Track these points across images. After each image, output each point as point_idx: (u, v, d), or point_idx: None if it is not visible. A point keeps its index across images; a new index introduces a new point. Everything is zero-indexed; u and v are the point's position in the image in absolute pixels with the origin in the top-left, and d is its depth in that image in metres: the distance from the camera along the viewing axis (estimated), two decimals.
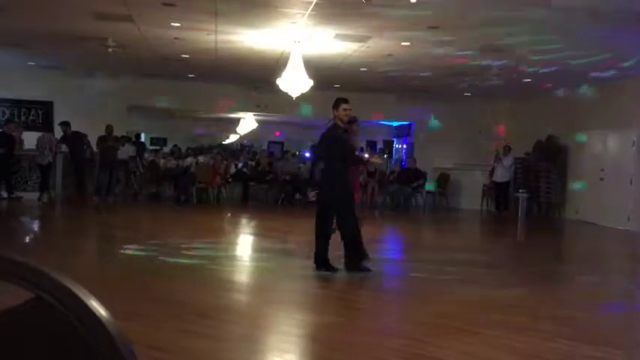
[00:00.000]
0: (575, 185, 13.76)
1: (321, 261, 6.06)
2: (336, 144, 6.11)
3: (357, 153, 6.87)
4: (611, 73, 11.47)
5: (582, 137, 13.43)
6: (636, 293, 6.46)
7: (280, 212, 13.73)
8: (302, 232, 9.97)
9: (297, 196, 15.59)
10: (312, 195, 6.48)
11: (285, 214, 13.20)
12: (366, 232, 11.15)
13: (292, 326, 4.46)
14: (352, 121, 6.65)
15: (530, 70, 11.70)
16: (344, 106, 6.18)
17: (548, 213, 14.56)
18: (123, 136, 14.55)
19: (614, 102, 12.48)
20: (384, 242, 10.25)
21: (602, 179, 12.66)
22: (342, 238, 6.08)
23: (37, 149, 12.86)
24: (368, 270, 6.01)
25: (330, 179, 6.09)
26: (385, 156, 17.72)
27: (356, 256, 6.01)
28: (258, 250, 8.35)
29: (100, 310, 0.83)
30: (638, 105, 11.81)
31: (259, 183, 15.52)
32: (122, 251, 7.17)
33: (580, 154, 13.70)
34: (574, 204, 13.89)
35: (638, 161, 11.75)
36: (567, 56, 10.30)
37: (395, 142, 20.24)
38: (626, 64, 10.61)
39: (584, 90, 13.13)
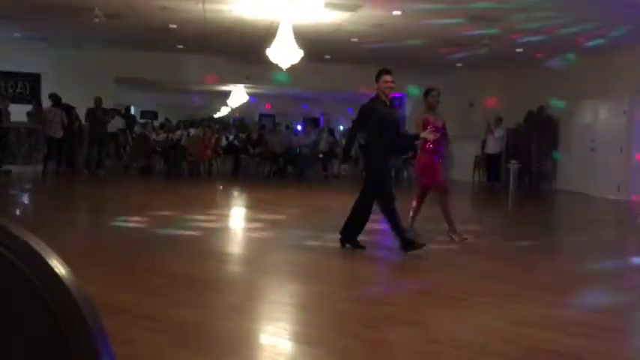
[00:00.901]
0: (562, 156, 13.81)
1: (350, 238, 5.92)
2: (371, 117, 5.67)
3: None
4: (600, 41, 11.40)
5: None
6: (623, 265, 6.51)
7: (272, 185, 13.71)
8: (293, 205, 10.01)
9: (289, 169, 15.58)
10: (342, 169, 6.27)
11: (277, 187, 13.18)
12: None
13: (283, 295, 4.47)
14: (427, 91, 6.46)
15: (521, 40, 11.61)
16: (386, 77, 5.65)
17: (539, 183, 14.62)
18: (112, 109, 14.41)
19: (604, 71, 12.44)
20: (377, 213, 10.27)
21: (592, 149, 12.69)
22: (352, 208, 5.94)
23: (44, 123, 12.67)
24: (362, 247, 5.92)
25: (364, 154, 6.02)
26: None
27: (351, 230, 5.88)
28: (249, 221, 8.35)
29: (60, 267, 0.80)
30: (628, 74, 11.78)
31: (250, 156, 15.46)
32: (112, 223, 7.14)
33: (571, 124, 13.70)
34: (565, 174, 13.94)
35: (629, 130, 11.76)
36: (557, 24, 10.22)
37: None
38: (615, 33, 10.54)
39: (575, 60, 13.06)
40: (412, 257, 5.74)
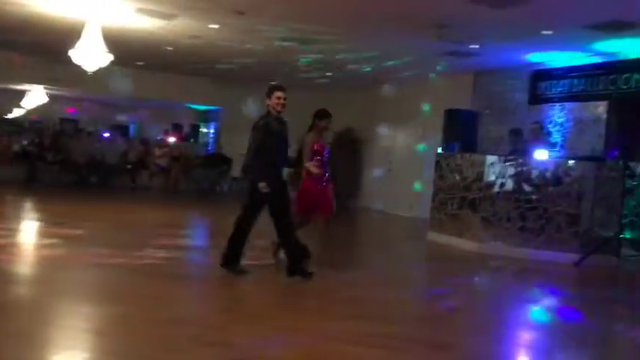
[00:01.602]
0: (367, 176, 14.88)
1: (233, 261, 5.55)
2: (255, 133, 5.50)
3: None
4: (412, 72, 12.56)
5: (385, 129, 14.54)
6: (406, 274, 7.13)
7: (72, 196, 12.66)
8: (95, 218, 9.32)
9: (93, 179, 14.57)
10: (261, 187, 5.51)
11: (78, 199, 12.21)
12: (167, 217, 10.77)
13: (78, 319, 4.11)
14: (323, 115, 6.28)
15: (330, 60, 12.27)
16: (277, 94, 5.53)
17: (345, 202, 15.51)
18: None
19: (404, 99, 13.69)
20: (187, 228, 10.02)
21: (390, 170, 13.94)
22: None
23: None
24: (243, 272, 5.60)
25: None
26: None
27: (229, 254, 5.58)
28: (43, 237, 7.58)
29: None
30: (424, 102, 13.12)
31: (47, 163, 14.14)
32: None
33: (374, 146, 14.82)
34: (368, 193, 14.99)
35: (419, 157, 13.09)
36: (363, 58, 11.04)
37: (201, 127, 19.88)
38: (389, 63, 11.66)
39: (381, 87, 14.18)
40: (221, 275, 5.67)
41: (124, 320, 4.07)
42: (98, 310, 4.39)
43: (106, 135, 17.37)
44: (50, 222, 8.74)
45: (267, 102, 5.61)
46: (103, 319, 4.17)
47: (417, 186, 12.69)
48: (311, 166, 5.97)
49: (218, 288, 5.26)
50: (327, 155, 6.32)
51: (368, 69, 12.62)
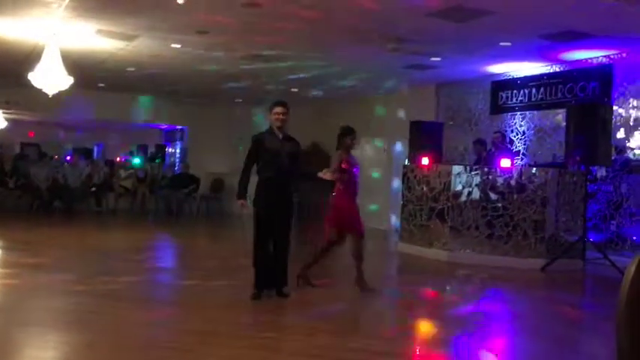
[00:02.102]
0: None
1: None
2: (259, 148, 5.53)
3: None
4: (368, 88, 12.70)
5: None
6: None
7: (35, 222, 12.36)
8: (60, 245, 9.11)
9: (56, 203, 14.26)
10: (240, 205, 5.42)
11: (41, 225, 11.92)
12: (134, 240, 10.58)
13: (44, 349, 3.99)
14: (347, 132, 6.09)
15: (295, 77, 12.33)
16: (276, 109, 5.57)
17: (314, 216, 15.51)
18: None
19: (368, 113, 13.82)
20: (154, 250, 9.86)
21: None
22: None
23: None
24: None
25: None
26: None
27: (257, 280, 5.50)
28: (5, 266, 7.36)
29: None
30: (387, 117, 13.26)
31: (9, 188, 13.79)
32: None
33: None
34: None
35: (387, 167, 13.18)
36: (327, 72, 11.13)
37: (167, 147, 19.71)
38: (353, 77, 11.79)
39: (346, 101, 14.29)
40: (193, 296, 5.59)
41: (91, 348, 3.97)
42: (65, 338, 4.27)
43: (68, 158, 17.06)
44: (13, 249, 8.49)
45: (269, 118, 5.70)
46: (70, 348, 4.05)
47: (374, 207, 12.80)
48: (324, 173, 5.75)
49: (188, 310, 5.17)
50: (356, 173, 6.16)
51: (331, 85, 12.73)
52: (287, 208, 5.59)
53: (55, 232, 10.87)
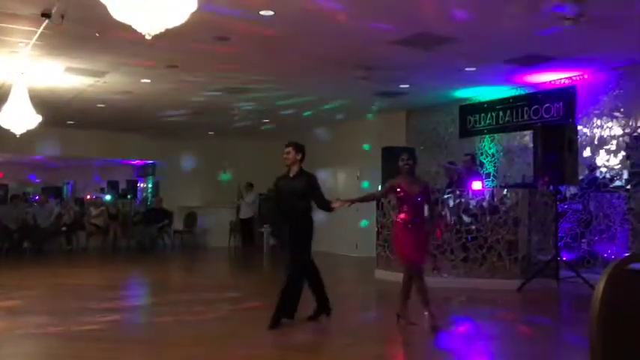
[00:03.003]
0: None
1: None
2: (276, 190, 6.06)
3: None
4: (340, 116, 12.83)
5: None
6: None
7: (5, 264, 12.05)
8: (31, 286, 8.88)
9: (26, 244, 13.95)
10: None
11: (11, 267, 11.62)
12: (107, 278, 10.38)
13: None
14: (399, 156, 5.85)
15: (264, 109, 12.40)
16: (285, 149, 5.93)
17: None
18: None
19: (342, 140, 13.95)
20: (128, 288, 9.68)
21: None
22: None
23: None
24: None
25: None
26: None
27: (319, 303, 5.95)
28: None
29: None
30: (361, 141, 13.40)
31: None
32: None
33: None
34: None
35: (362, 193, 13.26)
36: (308, 103, 11.23)
37: (139, 182, 19.51)
38: (326, 107, 11.95)
39: (318, 130, 14.40)
40: (166, 335, 5.49)
41: None
42: None
43: (37, 198, 16.74)
44: None
45: None
46: None
47: (364, 223, 12.82)
48: (334, 203, 5.81)
49: (163, 348, 5.07)
50: (415, 198, 5.57)
51: (305, 114, 12.84)
52: (296, 242, 5.84)
53: (25, 273, 10.59)
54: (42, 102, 9.35)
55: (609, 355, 1.36)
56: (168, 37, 7.09)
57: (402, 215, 5.61)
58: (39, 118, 8.69)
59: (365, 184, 13.16)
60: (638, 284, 1.49)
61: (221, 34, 7.06)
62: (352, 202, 5.87)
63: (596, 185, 8.92)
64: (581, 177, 8.77)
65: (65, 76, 9.12)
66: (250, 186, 15.02)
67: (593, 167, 9.01)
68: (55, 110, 11.43)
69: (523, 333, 5.75)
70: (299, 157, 5.88)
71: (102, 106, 11.79)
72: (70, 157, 17.19)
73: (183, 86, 10.02)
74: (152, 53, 7.85)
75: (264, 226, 15.09)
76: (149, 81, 9.62)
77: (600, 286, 1.44)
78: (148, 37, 4.05)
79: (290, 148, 5.89)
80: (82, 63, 8.44)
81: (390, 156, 10.30)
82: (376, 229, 9.81)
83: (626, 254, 1.61)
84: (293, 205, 5.80)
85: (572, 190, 9.11)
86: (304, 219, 5.85)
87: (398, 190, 5.60)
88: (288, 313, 5.73)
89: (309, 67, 8.76)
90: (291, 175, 5.91)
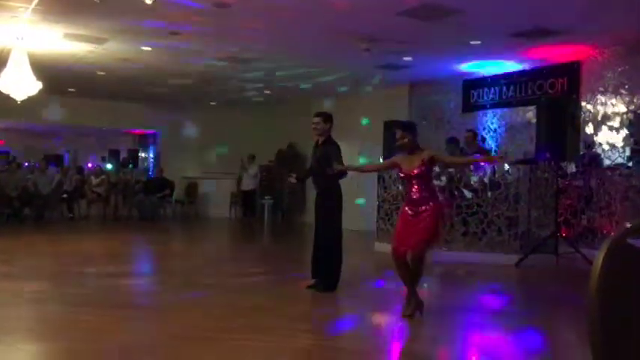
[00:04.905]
0: (311, 191, 14.90)
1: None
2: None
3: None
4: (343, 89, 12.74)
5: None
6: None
7: (6, 231, 12.10)
8: (31, 253, 8.94)
9: (26, 211, 13.99)
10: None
11: (11, 234, 11.67)
12: (107, 246, 10.43)
13: (17, 358, 3.91)
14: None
15: (268, 79, 12.31)
16: (312, 119, 6.09)
17: (290, 218, 15.50)
18: None
19: (343, 113, 13.84)
20: (128, 256, 9.74)
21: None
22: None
23: None
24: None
25: None
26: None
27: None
28: None
29: None
30: (362, 115, 13.32)
31: None
32: None
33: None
34: (313, 209, 15.00)
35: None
36: (309, 73, 11.14)
37: (140, 151, 19.48)
38: (327, 78, 11.85)
39: (320, 102, 14.29)
40: (167, 300, 5.54)
41: (68, 355, 3.90)
42: (40, 346, 4.19)
43: (38, 165, 16.73)
44: None
45: None
46: (47, 356, 3.98)
47: (360, 200, 12.82)
48: (335, 165, 5.51)
49: (166, 314, 5.12)
50: (415, 176, 4.86)
51: (306, 86, 12.74)
52: (322, 205, 6.11)
53: (26, 240, 10.65)
54: (42, 68, 9.26)
55: (608, 328, 1.36)
56: (167, 3, 7.02)
57: (406, 197, 5.07)
58: (39, 85, 8.64)
59: (362, 159, 13.12)
60: (637, 257, 1.48)
61: (221, 0, 6.96)
62: (348, 169, 5.79)
63: (597, 162, 8.89)
64: (582, 153, 8.73)
65: (64, 42, 9.03)
66: (252, 158, 15.00)
67: (589, 144, 8.96)
68: (56, 77, 11.35)
69: (522, 305, 5.78)
70: (327, 126, 6.05)
71: (102, 73, 11.71)
72: (71, 125, 17.15)
73: (183, 54, 9.92)
74: (152, 19, 7.75)
75: (265, 197, 15.12)
76: (149, 49, 9.53)
77: (599, 259, 1.43)
78: (148, 2, 3.99)
79: (319, 119, 6.05)
80: (81, 29, 8.36)
81: (392, 129, 10.28)
82: (377, 203, 9.82)
83: (625, 227, 1.60)
84: (316, 171, 6.04)
85: (573, 166, 9.08)
86: (328, 188, 6.01)
87: (399, 170, 5.05)
88: (317, 275, 6.05)
89: (312, 38, 8.66)
90: (319, 143, 6.12)
